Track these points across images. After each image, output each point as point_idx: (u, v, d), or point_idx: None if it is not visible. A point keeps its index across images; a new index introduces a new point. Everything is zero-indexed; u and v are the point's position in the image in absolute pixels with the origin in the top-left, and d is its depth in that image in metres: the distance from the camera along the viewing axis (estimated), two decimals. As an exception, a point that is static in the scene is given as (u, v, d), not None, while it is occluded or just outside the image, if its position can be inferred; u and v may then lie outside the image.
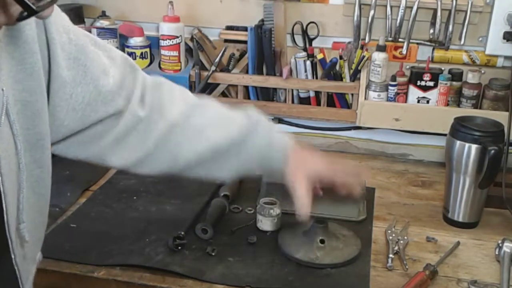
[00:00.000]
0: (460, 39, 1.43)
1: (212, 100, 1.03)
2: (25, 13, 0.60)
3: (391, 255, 1.08)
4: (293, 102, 1.57)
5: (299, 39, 1.55)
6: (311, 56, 1.51)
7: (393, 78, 1.48)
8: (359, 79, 1.50)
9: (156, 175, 1.01)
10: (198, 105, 1.00)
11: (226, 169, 0.99)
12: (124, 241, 1.11)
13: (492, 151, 1.11)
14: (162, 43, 1.57)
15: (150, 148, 0.95)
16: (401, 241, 1.13)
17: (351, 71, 1.50)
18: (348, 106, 1.54)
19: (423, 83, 1.47)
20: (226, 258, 1.06)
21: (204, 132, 0.97)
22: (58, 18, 0.78)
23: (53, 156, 1.14)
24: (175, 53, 1.57)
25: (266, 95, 1.59)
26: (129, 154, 0.95)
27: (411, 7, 1.40)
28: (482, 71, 1.44)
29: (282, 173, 1.00)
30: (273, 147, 0.99)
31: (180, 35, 1.56)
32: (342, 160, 1.05)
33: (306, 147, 1.05)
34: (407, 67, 1.49)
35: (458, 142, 1.17)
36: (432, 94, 1.47)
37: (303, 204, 0.98)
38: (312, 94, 1.55)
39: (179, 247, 1.08)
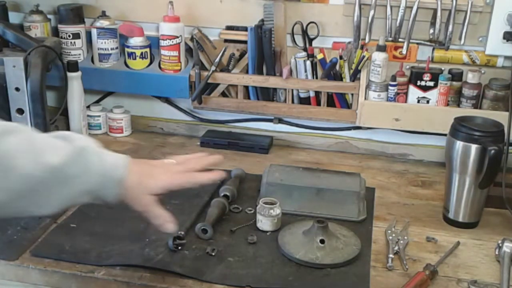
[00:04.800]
0: (460, 39, 1.43)
1: (25, 126, 0.86)
2: None
3: (391, 255, 1.08)
4: (293, 102, 1.57)
5: (299, 39, 1.55)
6: (311, 56, 1.51)
7: (393, 78, 1.48)
8: (359, 79, 1.50)
9: None
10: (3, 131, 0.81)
11: (47, 204, 0.84)
12: (124, 241, 1.11)
13: (492, 151, 1.11)
14: (162, 43, 1.57)
15: None
16: (401, 241, 1.13)
17: (351, 71, 1.50)
18: (348, 106, 1.54)
19: (423, 83, 1.47)
20: (226, 258, 1.06)
21: (11, 161, 0.79)
22: None
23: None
24: (175, 53, 1.57)
25: (266, 95, 1.59)
26: None
27: (411, 7, 1.40)
28: (482, 71, 1.44)
29: (122, 201, 0.89)
30: (105, 177, 0.86)
31: (180, 35, 1.56)
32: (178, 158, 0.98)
33: (143, 162, 0.95)
34: (407, 67, 1.49)
35: (458, 142, 1.17)
36: (432, 94, 1.47)
37: (165, 220, 0.93)
38: (312, 94, 1.55)
39: (179, 247, 1.08)
